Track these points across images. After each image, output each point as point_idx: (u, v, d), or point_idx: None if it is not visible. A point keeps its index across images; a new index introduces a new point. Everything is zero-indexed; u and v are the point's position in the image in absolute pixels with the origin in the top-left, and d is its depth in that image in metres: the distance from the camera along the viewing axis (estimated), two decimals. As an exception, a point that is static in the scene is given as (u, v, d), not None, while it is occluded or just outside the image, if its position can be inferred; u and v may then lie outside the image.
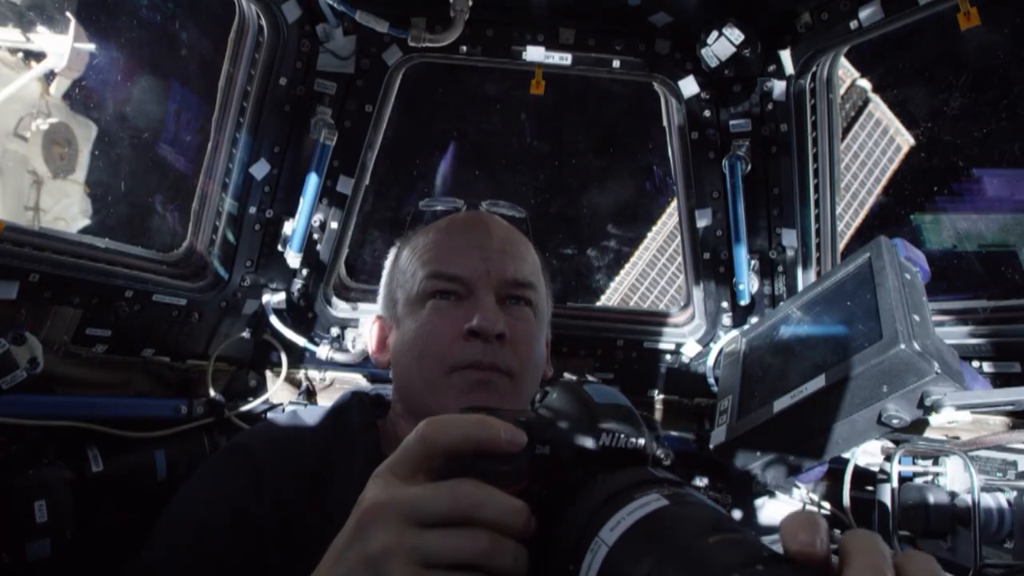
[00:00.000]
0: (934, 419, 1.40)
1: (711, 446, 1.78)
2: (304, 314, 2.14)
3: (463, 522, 0.55)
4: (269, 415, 2.06)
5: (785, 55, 1.82)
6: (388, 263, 1.27)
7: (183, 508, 0.97)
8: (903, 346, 1.33)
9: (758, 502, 2.04)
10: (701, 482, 2.20)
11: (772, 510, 2.02)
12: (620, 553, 0.50)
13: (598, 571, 0.50)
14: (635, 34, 1.88)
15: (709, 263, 2.08)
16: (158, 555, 0.89)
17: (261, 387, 2.15)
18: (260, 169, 1.90)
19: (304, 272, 2.07)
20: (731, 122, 1.94)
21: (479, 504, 0.56)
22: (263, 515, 0.92)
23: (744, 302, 2.05)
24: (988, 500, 1.17)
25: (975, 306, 1.82)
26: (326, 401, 2.13)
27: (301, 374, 2.20)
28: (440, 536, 0.55)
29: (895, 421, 1.37)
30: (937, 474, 1.28)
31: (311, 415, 1.13)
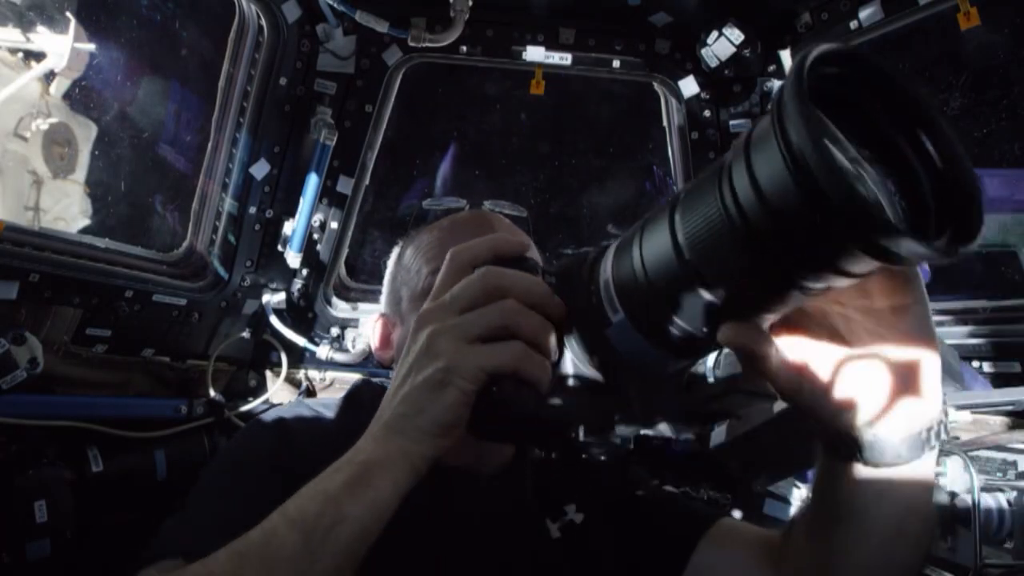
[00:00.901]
0: (934, 419, 1.39)
1: (711, 446, 1.78)
2: (304, 314, 2.14)
3: (495, 299, 0.65)
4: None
5: (785, 55, 1.82)
6: (392, 262, 1.28)
7: (219, 460, 1.02)
8: (903, 346, 1.33)
9: (758, 502, 2.04)
10: (701, 482, 2.20)
11: (773, 510, 2.02)
12: (623, 240, 0.61)
13: (612, 262, 0.61)
14: (635, 34, 1.88)
15: (709, 263, 2.07)
16: (193, 499, 0.93)
17: (261, 387, 2.15)
18: (260, 169, 1.90)
19: (304, 272, 2.07)
20: (731, 122, 1.94)
21: (502, 276, 0.66)
22: (291, 474, 0.95)
23: (744, 302, 2.05)
24: (988, 500, 1.17)
25: (975, 306, 1.82)
26: (326, 401, 2.13)
27: (301, 374, 2.20)
28: (475, 313, 0.64)
29: (895, 421, 1.37)
30: (937, 474, 1.28)
31: (325, 406, 1.14)
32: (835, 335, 0.62)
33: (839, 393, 0.61)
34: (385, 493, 0.64)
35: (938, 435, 0.64)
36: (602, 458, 0.71)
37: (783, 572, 0.84)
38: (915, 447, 0.63)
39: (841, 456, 0.66)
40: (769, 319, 0.57)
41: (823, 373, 0.61)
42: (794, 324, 0.61)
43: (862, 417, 0.62)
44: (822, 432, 0.66)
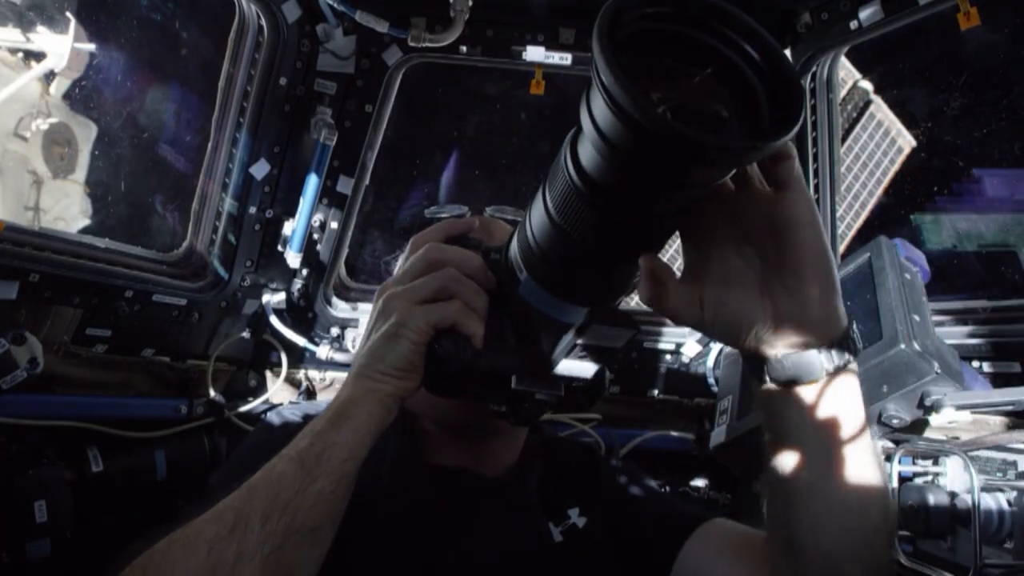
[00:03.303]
0: (934, 419, 1.39)
1: (711, 446, 1.78)
2: (304, 314, 2.14)
3: (438, 269, 0.78)
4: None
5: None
6: (396, 268, 1.30)
7: (239, 451, 1.07)
8: (903, 346, 1.33)
9: (759, 502, 2.04)
10: (701, 482, 2.20)
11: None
12: (526, 213, 0.73)
13: (517, 233, 0.75)
14: (635, 34, 1.88)
15: (709, 263, 2.07)
16: (214, 485, 0.97)
17: (261, 387, 2.15)
18: (260, 169, 1.90)
19: (304, 272, 2.07)
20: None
21: (443, 250, 0.80)
22: None
23: (744, 302, 2.05)
24: (988, 500, 1.17)
25: (975, 306, 1.82)
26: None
27: (301, 374, 2.20)
28: (420, 280, 0.78)
29: (895, 421, 1.37)
30: (937, 474, 1.28)
31: None
32: (728, 266, 0.69)
33: (731, 315, 0.69)
34: (362, 422, 0.74)
35: (843, 352, 0.68)
36: (538, 396, 0.78)
37: (771, 568, 0.84)
38: (815, 363, 0.67)
39: (754, 376, 0.72)
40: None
41: (716, 296, 0.69)
42: (691, 258, 0.71)
43: (758, 337, 0.69)
44: (742, 355, 0.74)
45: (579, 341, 0.73)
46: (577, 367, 0.79)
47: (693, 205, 0.66)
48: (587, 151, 0.60)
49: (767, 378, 0.70)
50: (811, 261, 0.66)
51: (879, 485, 0.72)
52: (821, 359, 0.67)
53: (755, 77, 0.60)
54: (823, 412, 0.69)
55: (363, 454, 0.74)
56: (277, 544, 0.67)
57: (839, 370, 0.68)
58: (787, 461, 0.72)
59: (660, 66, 0.60)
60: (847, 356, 0.68)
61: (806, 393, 0.69)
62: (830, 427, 0.69)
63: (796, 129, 0.55)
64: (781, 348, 0.68)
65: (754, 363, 0.71)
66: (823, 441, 0.70)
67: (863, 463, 0.71)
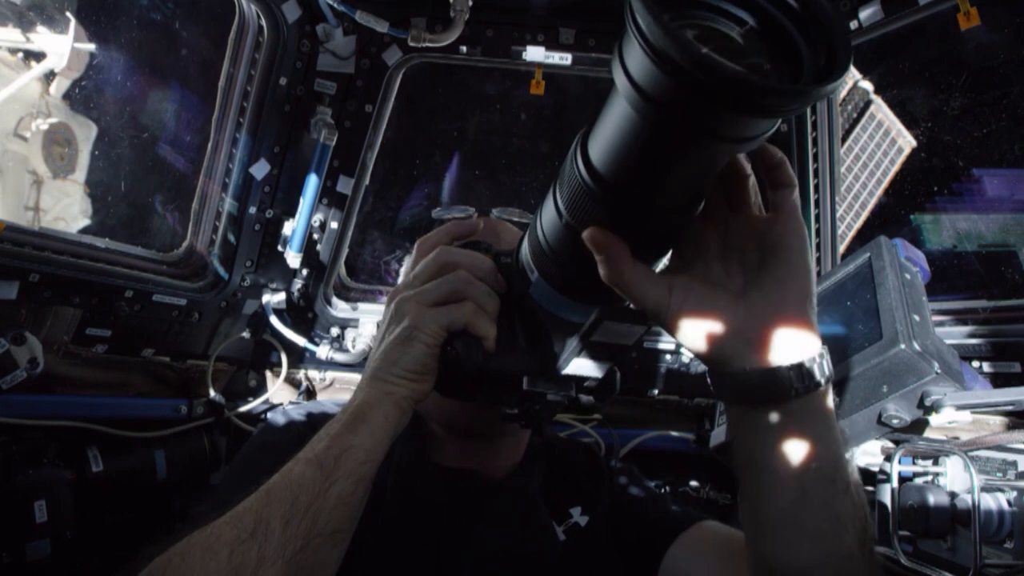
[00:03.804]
0: (934, 419, 1.39)
1: (711, 446, 1.78)
2: (304, 314, 2.14)
3: (449, 271, 0.79)
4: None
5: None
6: (403, 269, 1.30)
7: (246, 450, 1.06)
8: (903, 346, 1.33)
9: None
10: (701, 482, 2.20)
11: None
12: (536, 214, 0.73)
13: (527, 234, 0.75)
14: (635, 34, 1.88)
15: (709, 263, 2.07)
16: (222, 487, 0.99)
17: (261, 387, 2.15)
18: (260, 169, 1.90)
19: (304, 272, 2.07)
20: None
21: (453, 253, 0.81)
22: None
23: (744, 302, 2.05)
24: (988, 500, 1.17)
25: (975, 306, 1.82)
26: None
27: (301, 374, 2.20)
28: (432, 283, 0.79)
29: (895, 421, 1.37)
30: (937, 474, 1.28)
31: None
32: (709, 270, 0.67)
33: (697, 325, 0.65)
34: (379, 424, 0.75)
35: (814, 372, 0.63)
36: (550, 397, 0.78)
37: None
38: (784, 380, 0.63)
39: (718, 393, 0.69)
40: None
41: (689, 286, 0.66)
42: (674, 261, 0.70)
43: (726, 347, 0.65)
44: (707, 368, 0.70)
45: (591, 339, 0.72)
46: (587, 366, 0.78)
47: (706, 187, 0.65)
48: (614, 121, 0.57)
49: (733, 394, 0.66)
50: (794, 276, 0.64)
51: (854, 511, 0.67)
52: (791, 376, 0.63)
53: (794, 28, 0.56)
54: (793, 435, 0.65)
55: (380, 456, 0.74)
56: (299, 547, 0.67)
57: (809, 391, 0.64)
58: (756, 484, 0.68)
59: (697, 23, 0.57)
60: (818, 377, 0.64)
61: (775, 413, 0.65)
62: (800, 451, 0.65)
63: (844, 75, 0.52)
64: (750, 361, 0.64)
65: (719, 377, 0.67)
66: (793, 466, 0.65)
67: (836, 489, 0.66)
